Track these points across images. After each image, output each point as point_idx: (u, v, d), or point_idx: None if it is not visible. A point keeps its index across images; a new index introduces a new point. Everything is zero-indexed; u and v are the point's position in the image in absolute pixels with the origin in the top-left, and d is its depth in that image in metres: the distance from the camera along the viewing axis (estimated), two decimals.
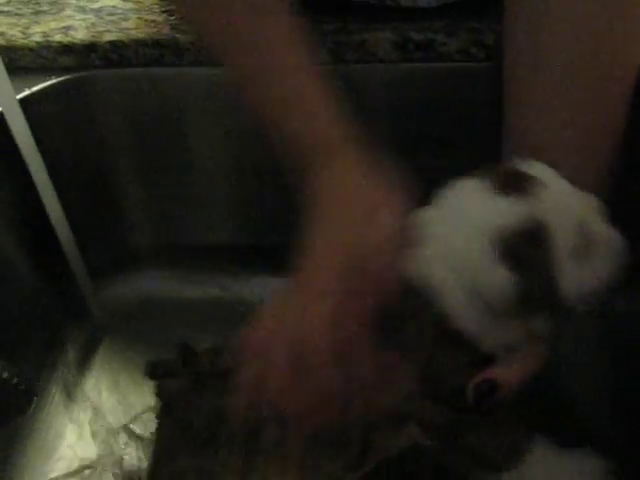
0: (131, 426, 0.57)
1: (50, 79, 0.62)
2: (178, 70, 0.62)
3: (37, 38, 0.63)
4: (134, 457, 0.55)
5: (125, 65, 0.63)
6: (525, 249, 0.35)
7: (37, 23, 0.66)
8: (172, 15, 0.65)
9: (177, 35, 0.61)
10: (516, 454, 0.41)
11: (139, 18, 0.65)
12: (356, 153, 0.42)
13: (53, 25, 0.65)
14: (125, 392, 0.60)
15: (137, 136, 0.66)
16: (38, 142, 0.60)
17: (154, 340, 0.62)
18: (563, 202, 0.37)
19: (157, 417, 0.45)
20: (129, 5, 0.68)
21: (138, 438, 0.56)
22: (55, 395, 0.59)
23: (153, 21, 0.64)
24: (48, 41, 0.63)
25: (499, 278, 0.36)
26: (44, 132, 0.61)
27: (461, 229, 0.37)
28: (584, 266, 0.37)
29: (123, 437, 0.57)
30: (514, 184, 0.37)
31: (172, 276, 0.70)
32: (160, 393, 0.45)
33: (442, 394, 0.39)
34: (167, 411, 0.45)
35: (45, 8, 0.69)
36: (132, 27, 0.63)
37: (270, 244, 0.69)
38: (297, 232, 0.40)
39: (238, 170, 0.66)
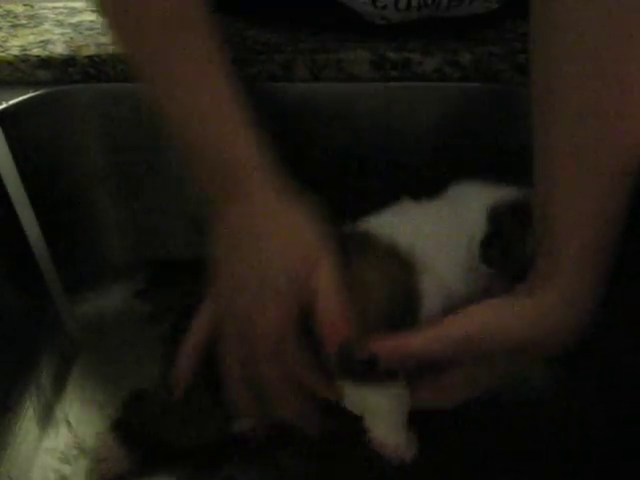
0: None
1: (27, 93, 0.61)
2: None
3: (15, 52, 0.63)
4: None
5: (103, 80, 0.62)
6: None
7: (15, 37, 0.65)
8: None
9: None
10: None
11: None
12: (271, 182, 0.43)
13: (31, 39, 0.65)
14: (100, 410, 0.59)
15: (115, 151, 0.65)
16: (15, 156, 0.60)
17: (130, 357, 0.62)
18: None
19: None
20: None
21: None
22: (28, 412, 0.58)
23: None
24: (26, 55, 0.62)
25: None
26: (21, 146, 0.61)
27: None
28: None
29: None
30: None
31: (148, 292, 0.70)
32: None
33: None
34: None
35: (23, 22, 0.69)
36: (110, 42, 0.63)
37: None
38: None
39: None
